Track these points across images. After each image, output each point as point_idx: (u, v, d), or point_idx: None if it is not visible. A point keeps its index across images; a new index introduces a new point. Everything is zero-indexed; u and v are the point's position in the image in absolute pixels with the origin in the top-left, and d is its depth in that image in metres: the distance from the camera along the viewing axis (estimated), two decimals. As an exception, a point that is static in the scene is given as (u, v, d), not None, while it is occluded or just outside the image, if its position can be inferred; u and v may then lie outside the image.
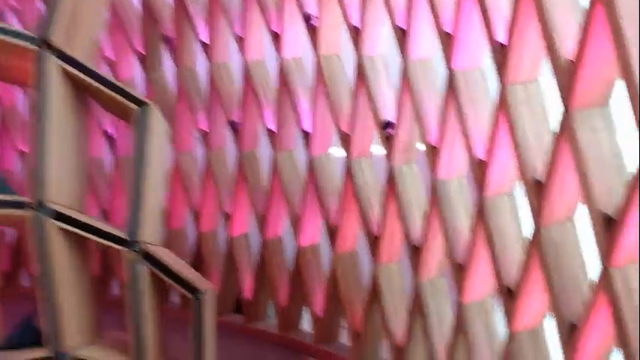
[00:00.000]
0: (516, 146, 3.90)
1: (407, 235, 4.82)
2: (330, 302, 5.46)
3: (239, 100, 5.95)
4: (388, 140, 4.96)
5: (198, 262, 6.28)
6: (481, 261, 4.32)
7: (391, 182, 4.92)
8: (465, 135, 4.30)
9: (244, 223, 6.08)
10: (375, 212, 5.11)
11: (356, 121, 5.17)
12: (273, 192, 5.80)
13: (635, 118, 3.30)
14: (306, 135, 5.54)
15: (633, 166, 3.32)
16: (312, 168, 5.50)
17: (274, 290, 5.82)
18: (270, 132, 5.80)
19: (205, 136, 6.21)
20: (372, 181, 5.19)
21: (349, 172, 5.22)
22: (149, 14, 6.38)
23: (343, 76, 5.30)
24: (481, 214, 4.21)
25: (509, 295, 4.07)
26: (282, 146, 5.76)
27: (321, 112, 5.45)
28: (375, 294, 5.10)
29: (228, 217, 6.10)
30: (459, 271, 4.44)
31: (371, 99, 5.02)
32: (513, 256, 4.13)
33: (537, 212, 3.78)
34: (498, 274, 4.15)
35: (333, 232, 5.38)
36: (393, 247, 5.05)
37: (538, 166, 3.85)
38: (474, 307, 4.43)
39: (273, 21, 5.66)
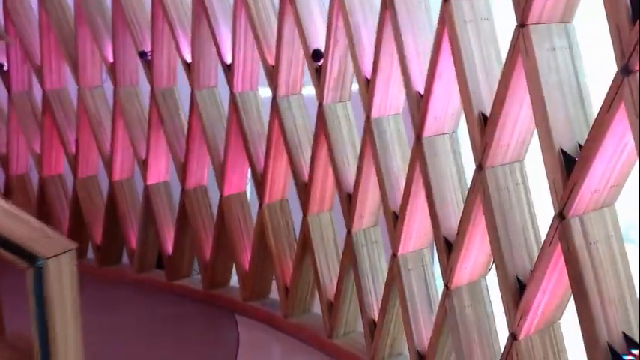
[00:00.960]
0: (460, 74, 3.28)
1: (339, 183, 4.22)
2: (258, 256, 4.84)
3: (149, 27, 5.21)
4: (318, 74, 4.32)
5: (111, 213, 5.57)
6: (418, 209, 3.73)
7: (321, 123, 4.28)
8: (403, 64, 3.65)
9: (162, 171, 5.38)
10: (305, 158, 4.50)
11: (282, 52, 4.50)
12: (192, 135, 5.10)
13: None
14: (229, 68, 4.86)
15: (600, 95, 2.77)
16: (235, 108, 4.82)
17: (198, 244, 5.16)
18: (187, 65, 5.09)
19: (113, 69, 5.46)
20: (301, 123, 4.56)
21: (276, 112, 4.56)
22: None
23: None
24: (418, 156, 3.62)
25: (447, 246, 3.48)
26: (202, 83, 5.06)
27: (246, 42, 4.76)
28: (305, 246, 4.50)
29: (144, 164, 5.38)
30: (394, 219, 3.84)
31: (299, 25, 4.35)
32: (454, 204, 3.68)
33: (481, 151, 3.28)
34: (436, 223, 3.54)
35: (260, 180, 4.73)
36: (325, 195, 4.45)
37: (485, 98, 3.25)
38: (410, 259, 3.84)
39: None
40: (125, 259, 5.67)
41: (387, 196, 3.92)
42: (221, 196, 5.02)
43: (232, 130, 4.93)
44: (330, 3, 4.19)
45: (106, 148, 5.63)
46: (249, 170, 4.92)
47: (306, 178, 4.52)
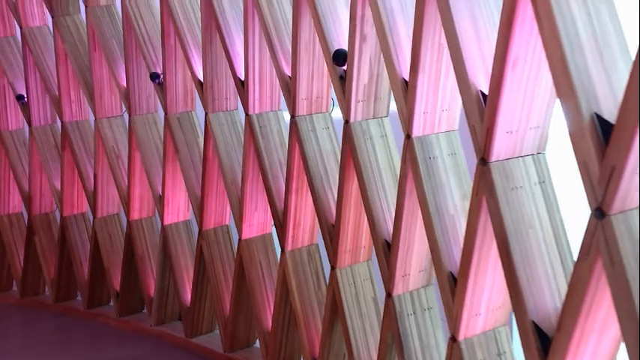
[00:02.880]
0: (555, 58, 1.49)
1: (372, 226, 2.52)
2: (281, 315, 3.11)
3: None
4: (343, 82, 2.59)
5: (130, 257, 3.94)
6: (486, 272, 1.98)
7: (348, 147, 2.56)
8: (457, 57, 1.93)
9: (181, 208, 3.73)
10: (334, 192, 2.77)
11: (300, 58, 2.79)
12: (208, 166, 3.43)
13: None
14: (243, 86, 3.18)
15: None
16: (252, 132, 3.14)
17: (217, 297, 3.47)
18: (200, 85, 3.43)
19: (127, 95, 3.82)
20: (330, 148, 2.83)
21: (296, 135, 2.85)
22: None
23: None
24: (486, 190, 1.84)
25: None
26: (217, 105, 3.39)
27: (261, 53, 3.07)
28: (334, 309, 2.75)
29: (160, 200, 3.73)
30: (449, 284, 2.10)
31: (317, 21, 2.64)
32: (547, 274, 1.93)
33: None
34: (521, 299, 1.79)
35: (281, 220, 3.02)
36: (359, 241, 2.70)
37: (602, 98, 1.49)
38: (483, 342, 2.08)
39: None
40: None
41: (440, 249, 2.22)
42: (239, 240, 3.34)
43: (249, 159, 3.25)
44: (353, -17, 2.49)
45: (125, 183, 4.03)
46: (274, 206, 3.24)
47: (333, 219, 2.82)
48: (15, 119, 4.58)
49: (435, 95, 2.22)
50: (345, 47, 2.63)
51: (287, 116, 3.00)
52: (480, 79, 1.97)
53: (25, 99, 4.45)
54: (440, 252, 2.15)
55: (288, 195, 2.92)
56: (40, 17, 4.41)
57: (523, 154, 1.94)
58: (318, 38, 2.75)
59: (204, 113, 3.45)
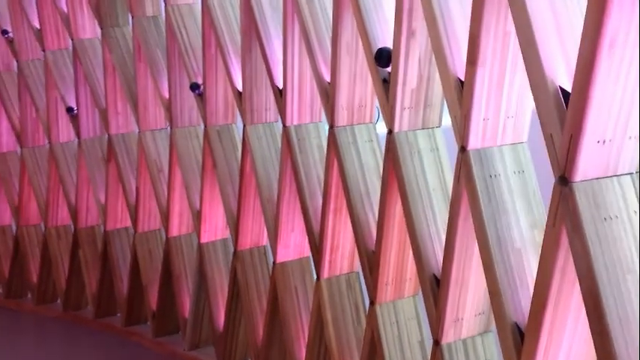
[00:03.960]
0: None
1: (418, 257, 1.87)
2: (315, 351, 2.50)
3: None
4: (387, 86, 1.99)
5: (167, 275, 3.42)
6: (565, 324, 1.32)
7: (391, 162, 1.94)
8: (530, 47, 1.28)
9: (219, 225, 3.18)
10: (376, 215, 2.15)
11: (339, 60, 2.20)
12: (245, 182, 2.88)
13: None
14: (281, 94, 2.61)
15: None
16: (289, 146, 2.57)
17: (251, 324, 2.89)
18: (238, 96, 2.89)
19: (168, 107, 3.32)
20: (373, 164, 2.22)
21: (334, 148, 2.26)
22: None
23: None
24: (567, 217, 1.19)
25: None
26: (255, 117, 2.84)
27: (301, 58, 2.51)
28: (373, 350, 2.12)
29: (197, 217, 3.20)
30: (514, 337, 1.44)
31: (359, 18, 2.05)
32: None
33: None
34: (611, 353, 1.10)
35: (317, 243, 2.42)
36: (404, 272, 2.08)
37: None
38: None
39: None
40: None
41: (502, 292, 1.56)
42: (274, 263, 2.77)
43: (286, 175, 2.69)
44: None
45: (166, 197, 3.52)
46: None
47: (374, 244, 2.21)
48: (66, 131, 4.14)
49: (498, 96, 1.60)
50: (391, 46, 2.04)
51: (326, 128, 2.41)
52: (559, 72, 1.35)
53: (75, 111, 4.01)
54: (501, 295, 1.52)
55: (326, 216, 2.32)
56: (91, 29, 3.96)
57: (619, 173, 1.30)
58: (360, 37, 2.16)
59: (242, 126, 2.91)
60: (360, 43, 2.21)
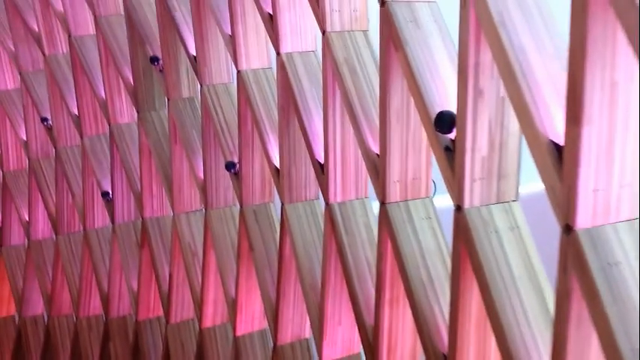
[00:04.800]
0: None
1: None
2: None
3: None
4: (451, 156, 1.55)
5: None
6: None
7: (462, 243, 1.48)
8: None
9: (256, 315, 2.71)
10: (445, 308, 1.67)
11: (389, 128, 1.79)
12: (285, 267, 2.43)
13: None
14: (322, 170, 2.20)
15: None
16: (333, 226, 2.12)
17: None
18: (276, 172, 2.49)
19: (203, 188, 2.94)
20: (433, 245, 1.76)
21: (387, 227, 1.81)
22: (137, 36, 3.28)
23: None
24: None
25: None
26: (294, 194, 2.42)
27: (344, 128, 2.11)
28: None
29: (232, 306, 2.74)
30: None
31: (412, 79, 1.65)
32: None
33: None
34: None
35: (371, 341, 1.93)
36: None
37: None
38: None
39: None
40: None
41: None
42: (319, 360, 2.26)
43: (330, 258, 2.24)
44: (461, 15, 1.49)
45: (199, 284, 3.08)
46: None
47: (444, 345, 1.71)
48: (101, 217, 3.78)
49: (609, 160, 1.16)
50: (451, 109, 1.63)
51: (376, 205, 1.98)
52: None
53: (111, 196, 3.66)
54: None
55: (380, 307, 1.84)
56: (129, 114, 3.66)
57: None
58: (413, 101, 1.75)
59: (280, 204, 2.49)
60: (412, 109, 1.81)
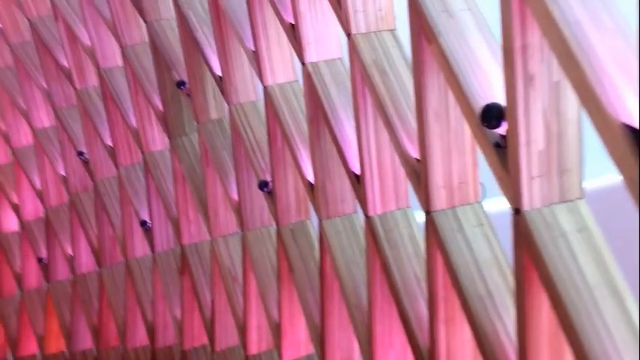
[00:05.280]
0: None
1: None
2: None
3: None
4: (502, 153, 1.32)
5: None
6: None
7: (528, 253, 1.23)
8: None
9: (301, 340, 2.49)
10: (507, 325, 1.43)
11: (429, 131, 1.57)
12: (327, 287, 2.22)
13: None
14: (358, 181, 1.99)
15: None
16: (375, 240, 1.91)
17: None
18: (310, 187, 2.29)
19: (238, 209, 2.76)
20: (488, 255, 1.53)
21: (435, 237, 1.57)
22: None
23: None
24: None
25: None
26: (331, 209, 2.22)
27: (378, 134, 1.90)
28: None
29: (276, 331, 2.53)
30: None
31: (451, 72, 1.42)
32: None
33: None
34: None
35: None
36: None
37: None
38: None
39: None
40: None
41: None
42: (371, 386, 2.02)
43: (375, 275, 2.00)
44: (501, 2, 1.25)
45: (242, 310, 2.89)
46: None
47: (510, 367, 1.44)
48: (141, 246, 3.64)
49: None
50: (498, 101, 1.40)
51: (421, 215, 1.75)
52: None
53: (149, 224, 3.52)
54: None
55: (435, 327, 1.61)
56: (161, 141, 3.53)
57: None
58: (452, 97, 1.54)
59: (317, 221, 2.28)
60: (451, 106, 1.59)
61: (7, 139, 4.38)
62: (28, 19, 4.01)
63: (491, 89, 1.42)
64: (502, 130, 1.35)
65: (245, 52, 2.62)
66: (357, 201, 2.05)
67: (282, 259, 2.44)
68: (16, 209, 4.33)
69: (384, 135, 1.86)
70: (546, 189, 1.28)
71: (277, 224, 2.48)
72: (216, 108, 3.00)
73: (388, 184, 1.92)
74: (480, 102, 1.40)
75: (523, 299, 1.28)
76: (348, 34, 1.92)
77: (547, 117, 1.28)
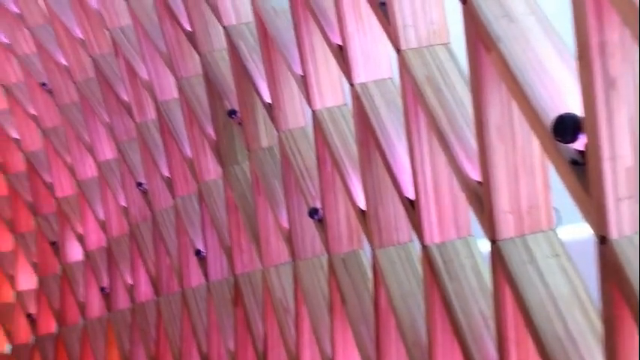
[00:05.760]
0: None
1: None
2: None
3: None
4: (582, 171, 1.07)
5: None
6: None
7: (616, 283, 0.98)
8: None
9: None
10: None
11: (492, 152, 1.33)
12: (382, 318, 1.98)
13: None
14: (412, 207, 1.76)
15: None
16: (432, 269, 1.66)
17: None
18: (362, 214, 2.08)
19: (289, 238, 2.57)
20: (566, 290, 1.27)
21: (502, 269, 1.33)
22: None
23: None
24: None
25: None
26: (385, 238, 1.99)
27: (433, 156, 1.68)
28: None
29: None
30: None
31: (518, 89, 1.19)
32: None
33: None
34: None
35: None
36: None
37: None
38: None
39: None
40: None
41: None
42: None
43: (434, 309, 1.74)
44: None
45: (294, 342, 2.68)
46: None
47: None
48: (196, 276, 3.51)
49: None
50: (573, 111, 1.17)
51: (485, 244, 1.51)
52: None
53: (203, 253, 3.39)
54: None
55: (505, 357, 1.36)
56: (215, 170, 3.42)
57: None
58: (517, 110, 1.31)
59: (370, 250, 2.07)
60: (516, 120, 1.36)
61: (73, 172, 4.40)
62: (91, 57, 4.04)
63: (562, 98, 1.19)
64: (579, 144, 1.11)
65: (293, 77, 2.47)
66: (412, 229, 1.83)
67: (335, 290, 2.23)
68: (81, 239, 4.31)
69: (441, 156, 1.64)
70: (637, 213, 1.03)
71: (328, 253, 2.28)
72: (266, 135, 2.86)
73: (446, 210, 1.69)
74: (551, 113, 1.17)
75: (614, 342, 1.02)
76: (398, 50, 1.73)
77: (634, 126, 1.03)
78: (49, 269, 4.61)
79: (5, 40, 4.62)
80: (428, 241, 1.66)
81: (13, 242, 4.80)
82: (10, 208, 4.79)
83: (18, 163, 4.80)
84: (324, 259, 2.45)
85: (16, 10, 4.43)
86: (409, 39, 1.72)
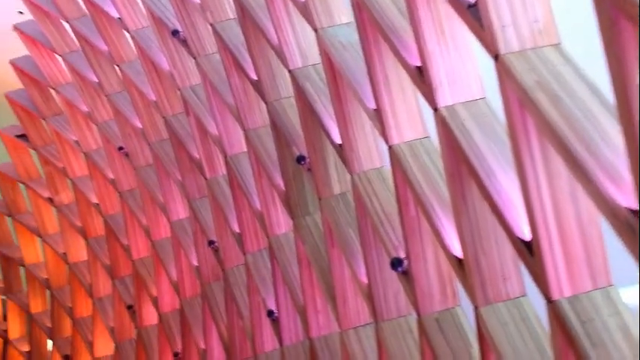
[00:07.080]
0: None
1: None
2: None
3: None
4: None
5: None
6: None
7: None
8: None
9: None
10: None
11: None
12: None
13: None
14: (531, 253, 1.28)
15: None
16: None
17: None
18: (458, 263, 1.61)
19: (369, 294, 2.12)
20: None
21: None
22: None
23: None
24: None
25: None
26: (490, 294, 1.51)
27: (554, 193, 1.21)
28: None
29: None
30: None
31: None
32: None
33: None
34: None
35: None
36: None
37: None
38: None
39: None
40: None
41: None
42: None
43: None
44: None
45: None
46: None
47: None
48: (270, 339, 3.09)
49: None
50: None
51: (634, 295, 1.02)
52: None
53: (276, 314, 2.98)
54: None
55: None
56: (285, 223, 3.05)
57: None
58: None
59: (472, 308, 1.59)
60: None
61: (148, 233, 4.19)
62: (164, 117, 3.89)
63: None
64: None
65: (366, 113, 2.10)
66: (526, 278, 1.35)
67: (428, 357, 1.74)
68: (155, 302, 4.03)
69: (565, 182, 1.18)
70: None
71: (417, 313, 1.81)
72: (338, 181, 2.47)
73: (577, 254, 1.21)
74: None
75: None
76: (496, 56, 1.31)
77: None
78: (126, 334, 4.34)
79: (86, 109, 4.61)
80: (556, 295, 1.18)
81: (92, 307, 4.61)
82: (90, 273, 4.64)
83: (98, 228, 4.68)
84: (413, 319, 1.98)
85: (94, 79, 4.41)
86: (509, 41, 1.31)
